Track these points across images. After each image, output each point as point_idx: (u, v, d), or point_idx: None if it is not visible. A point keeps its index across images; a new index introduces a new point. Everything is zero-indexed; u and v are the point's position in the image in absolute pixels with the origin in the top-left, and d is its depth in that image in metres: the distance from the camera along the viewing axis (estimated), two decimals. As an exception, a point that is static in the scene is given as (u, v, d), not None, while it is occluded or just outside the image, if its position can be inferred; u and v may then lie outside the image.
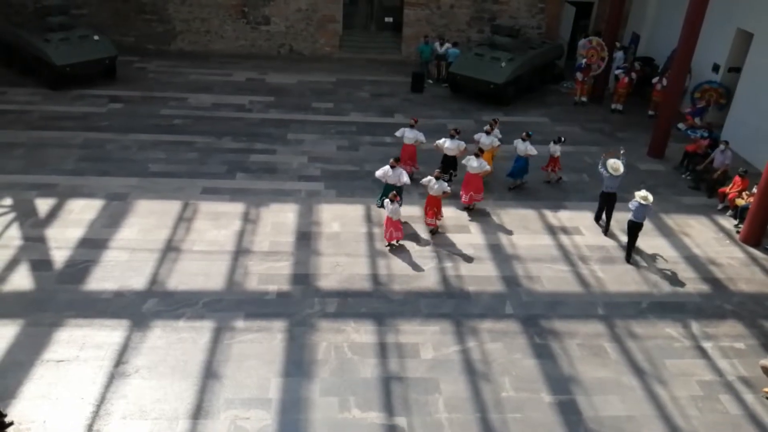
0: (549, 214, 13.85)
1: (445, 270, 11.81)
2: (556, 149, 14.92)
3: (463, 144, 14.17)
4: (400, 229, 12.27)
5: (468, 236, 12.89)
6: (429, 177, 12.73)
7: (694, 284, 11.91)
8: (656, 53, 20.40)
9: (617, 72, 19.84)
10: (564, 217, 13.79)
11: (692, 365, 9.98)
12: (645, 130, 17.84)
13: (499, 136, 14.99)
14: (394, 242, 12.34)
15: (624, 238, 13.07)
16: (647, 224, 13.62)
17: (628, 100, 19.70)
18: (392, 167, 12.78)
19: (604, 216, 13.41)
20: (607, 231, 13.28)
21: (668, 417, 9.03)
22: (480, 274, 11.75)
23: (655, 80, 18.88)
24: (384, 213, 12.34)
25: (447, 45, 21.27)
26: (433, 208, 12.80)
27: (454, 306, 10.91)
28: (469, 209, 13.69)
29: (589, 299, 11.33)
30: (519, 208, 14.03)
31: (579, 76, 19.79)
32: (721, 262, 12.60)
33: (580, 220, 13.69)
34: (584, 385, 9.45)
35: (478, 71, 19.11)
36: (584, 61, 19.90)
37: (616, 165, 12.87)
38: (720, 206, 14.45)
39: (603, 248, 12.76)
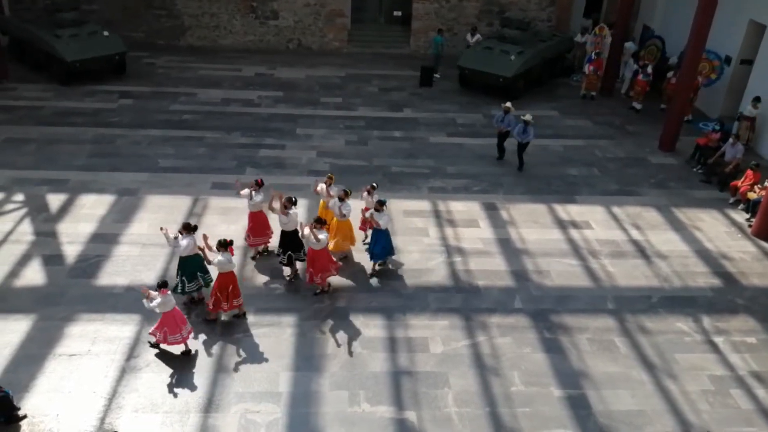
0: (559, 208, 13.79)
1: (453, 264, 11.80)
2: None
3: (296, 215, 10.77)
4: (178, 329, 9.04)
5: (477, 230, 12.86)
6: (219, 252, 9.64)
7: (705, 278, 11.82)
8: (668, 46, 20.19)
9: (631, 73, 19.70)
10: (574, 211, 13.72)
11: (703, 360, 9.93)
12: (656, 124, 17.69)
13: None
14: (163, 346, 9.34)
15: (633, 231, 13.05)
16: (658, 218, 13.61)
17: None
18: (180, 233, 9.90)
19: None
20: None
21: (679, 411, 8.98)
22: (489, 269, 11.72)
23: (669, 74, 18.69)
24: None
25: (477, 36, 21.12)
26: (221, 292, 9.74)
27: (463, 300, 10.90)
28: (322, 292, 10.74)
29: (599, 293, 11.28)
30: (528, 202, 13.97)
31: (588, 68, 19.61)
32: (732, 256, 12.51)
33: (590, 214, 13.63)
34: (594, 379, 9.43)
35: (488, 64, 19.01)
36: (594, 53, 19.75)
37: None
38: (732, 200, 14.33)
39: (613, 242, 12.69)
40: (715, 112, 18.42)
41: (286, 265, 11.01)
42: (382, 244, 11.20)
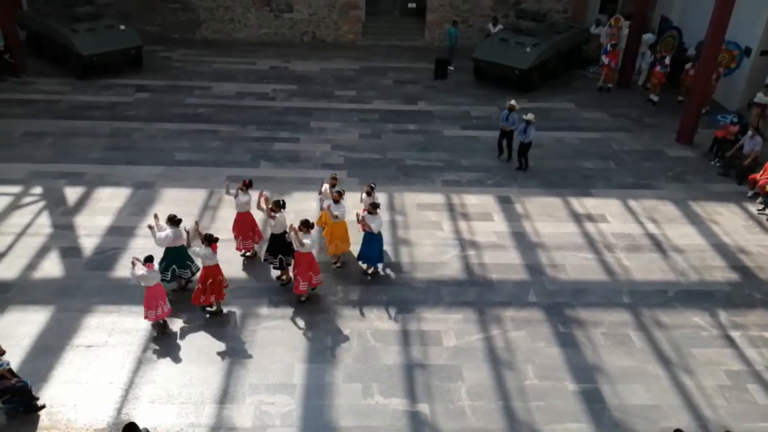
0: (574, 202, 13.69)
1: (467, 258, 11.77)
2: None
3: (283, 218, 10.49)
4: (156, 305, 9.50)
5: (491, 224, 12.81)
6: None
7: (722, 272, 11.69)
8: (687, 37, 19.90)
9: (647, 65, 19.52)
10: (589, 204, 13.62)
11: (720, 354, 9.83)
12: (674, 116, 17.47)
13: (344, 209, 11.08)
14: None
15: (650, 225, 12.93)
16: (675, 212, 13.48)
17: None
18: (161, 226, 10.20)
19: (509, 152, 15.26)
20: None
21: (695, 407, 8.91)
22: (503, 262, 11.68)
23: (688, 66, 18.44)
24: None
25: (499, 26, 21.04)
26: (202, 284, 9.87)
27: (476, 294, 10.88)
28: (300, 300, 10.46)
29: (615, 287, 11.20)
30: (543, 195, 13.88)
31: (605, 59, 19.42)
32: (750, 250, 12.34)
33: (605, 207, 13.51)
34: (609, 373, 9.38)
35: (503, 56, 18.87)
36: (610, 44, 19.56)
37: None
38: (750, 193, 14.13)
39: (629, 236, 12.58)
40: (733, 105, 18.15)
41: (277, 268, 10.80)
42: (376, 248, 10.84)
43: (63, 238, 11.76)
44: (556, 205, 13.57)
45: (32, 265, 11.04)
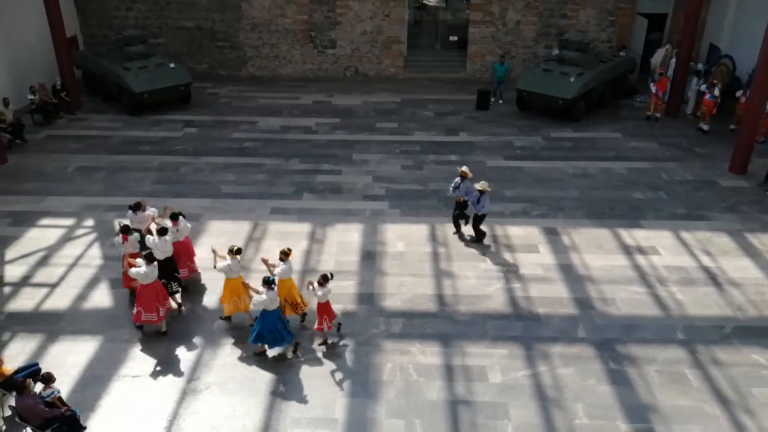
0: (623, 233, 13.30)
1: (513, 291, 11.52)
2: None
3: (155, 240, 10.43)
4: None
5: (537, 256, 12.54)
6: None
7: (784, 308, 11.13)
8: (739, 63, 19.41)
9: (694, 93, 19.12)
10: (639, 236, 13.21)
11: (784, 395, 9.28)
12: (726, 145, 16.96)
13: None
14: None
15: (704, 258, 12.43)
16: (731, 244, 12.94)
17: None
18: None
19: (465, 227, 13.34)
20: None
21: (759, 451, 8.40)
22: (550, 296, 11.38)
23: (739, 93, 17.94)
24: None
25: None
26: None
27: (522, 328, 10.60)
28: (164, 333, 10.36)
29: (668, 323, 10.75)
30: (591, 227, 13.54)
31: (653, 88, 19.05)
32: (814, 284, 11.74)
33: (657, 239, 13.08)
34: (664, 413, 8.93)
35: (546, 87, 18.74)
36: (658, 73, 19.22)
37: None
38: (811, 224, 13.51)
39: (682, 269, 12.12)
40: (789, 132, 17.50)
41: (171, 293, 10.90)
42: (268, 328, 9.55)
43: (112, 269, 12.02)
44: (605, 236, 13.21)
45: (83, 296, 11.31)
